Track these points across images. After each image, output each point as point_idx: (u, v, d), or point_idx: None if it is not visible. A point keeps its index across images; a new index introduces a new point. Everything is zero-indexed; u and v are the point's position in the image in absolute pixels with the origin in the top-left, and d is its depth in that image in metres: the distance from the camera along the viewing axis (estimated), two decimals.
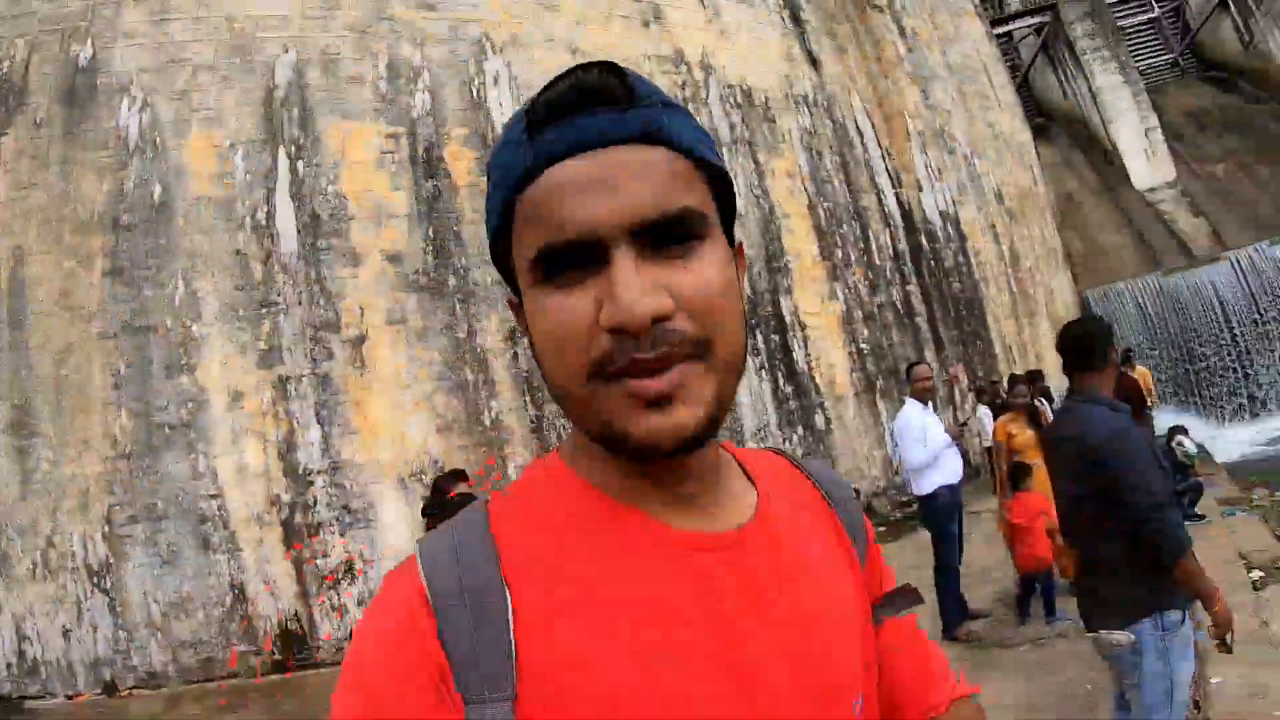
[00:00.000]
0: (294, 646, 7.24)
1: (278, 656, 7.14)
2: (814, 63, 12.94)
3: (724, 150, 10.83)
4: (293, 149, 8.10)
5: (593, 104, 0.62)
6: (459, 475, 5.61)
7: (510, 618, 0.61)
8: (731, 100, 11.33)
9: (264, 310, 7.74)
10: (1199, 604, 2.72)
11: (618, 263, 0.59)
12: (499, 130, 8.80)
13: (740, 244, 0.74)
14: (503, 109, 8.97)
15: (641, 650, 0.62)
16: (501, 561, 0.64)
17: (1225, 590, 5.23)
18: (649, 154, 0.62)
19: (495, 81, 9.08)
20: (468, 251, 8.50)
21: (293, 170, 8.07)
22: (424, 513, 5.57)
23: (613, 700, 0.60)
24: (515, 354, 8.51)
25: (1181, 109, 25.02)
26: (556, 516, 0.68)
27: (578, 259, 0.60)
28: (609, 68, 0.63)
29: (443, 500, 4.91)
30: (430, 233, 8.41)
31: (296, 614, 7.38)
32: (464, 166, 8.66)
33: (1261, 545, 7.25)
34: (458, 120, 8.82)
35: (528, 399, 8.56)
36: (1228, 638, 2.66)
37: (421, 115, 8.66)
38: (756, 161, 11.29)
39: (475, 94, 8.96)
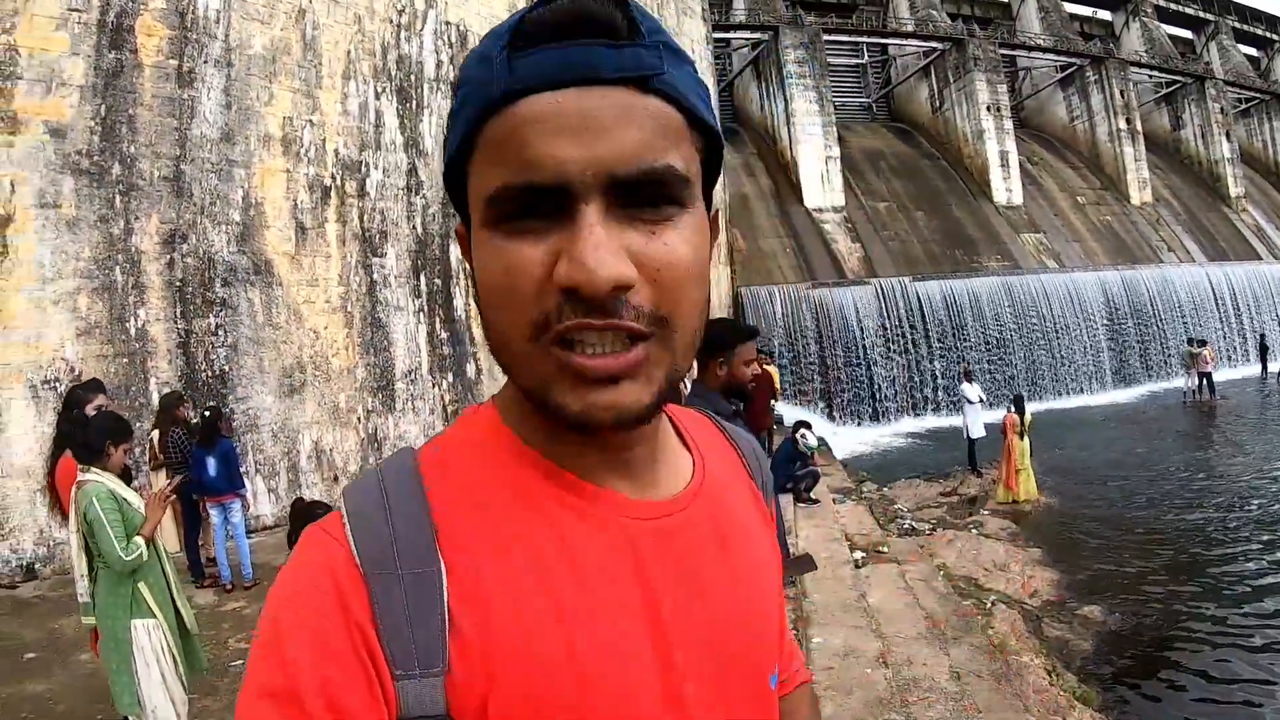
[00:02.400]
0: None
1: None
2: None
3: (426, 87, 11.23)
4: None
5: (587, 32, 0.57)
6: (97, 386, 5.59)
7: (444, 586, 0.60)
8: (446, 37, 11.78)
9: None
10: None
11: (585, 217, 0.56)
12: (200, 10, 8.56)
13: (716, 212, 0.69)
14: None
15: (576, 623, 0.61)
16: (436, 524, 0.62)
17: (830, 566, 6.95)
18: (640, 100, 0.58)
19: None
20: (139, 139, 8.09)
21: None
22: (59, 429, 5.32)
23: (544, 672, 0.59)
24: (172, 260, 8.27)
25: (863, 148, 29.22)
26: (491, 477, 0.66)
27: (539, 205, 0.57)
28: None
29: (81, 416, 4.82)
30: (103, 110, 7.86)
31: None
32: (154, 44, 8.21)
33: (865, 530, 8.71)
34: None
35: (179, 310, 8.32)
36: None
37: None
38: None
39: None
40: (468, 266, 0.68)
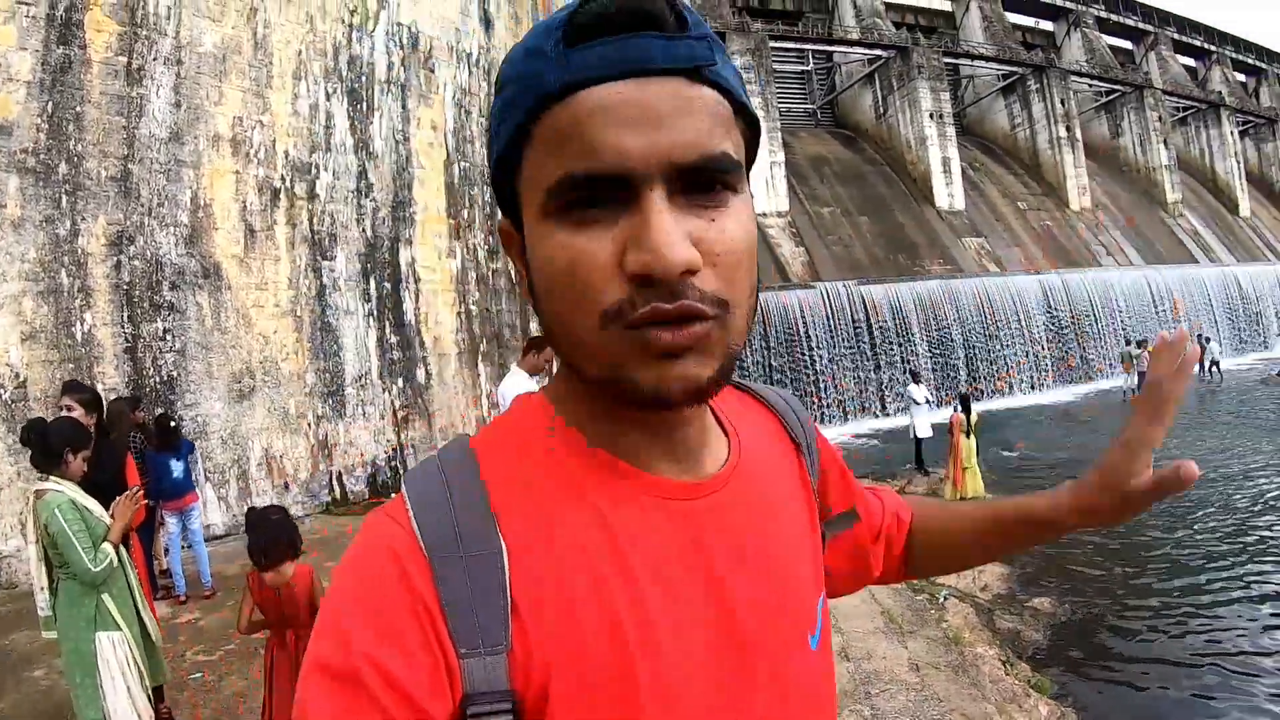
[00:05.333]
0: None
1: None
2: (488, 24, 13.81)
3: (377, 89, 11.32)
4: None
5: (639, 25, 0.60)
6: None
7: (506, 566, 0.61)
8: (398, 39, 11.84)
9: None
10: None
11: (652, 204, 0.58)
12: (150, 6, 8.53)
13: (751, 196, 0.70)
14: None
15: (637, 605, 0.64)
16: (493, 505, 0.65)
17: None
18: (696, 90, 0.61)
19: None
20: (86, 137, 8.05)
21: None
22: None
23: (615, 652, 0.62)
24: (119, 261, 8.22)
25: (809, 154, 29.77)
26: (545, 462, 0.68)
27: (601, 194, 0.59)
28: None
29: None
30: (50, 107, 7.82)
31: None
32: (104, 39, 8.16)
33: None
34: None
35: (126, 314, 8.28)
36: None
37: None
38: (405, 107, 11.92)
39: None
40: (513, 265, 0.71)
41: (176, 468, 6.70)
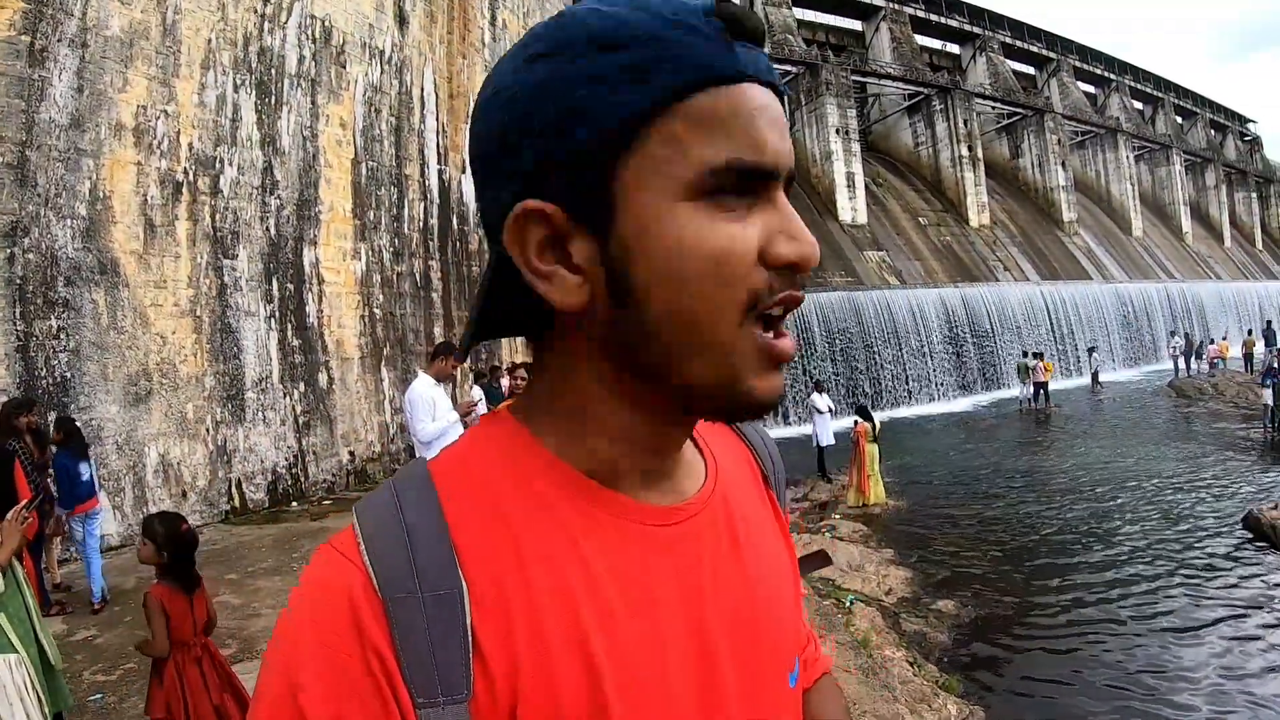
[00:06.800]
0: None
1: None
2: (402, 21, 13.71)
3: (286, 83, 11.20)
4: None
5: (760, 39, 0.63)
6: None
7: (468, 605, 0.59)
8: (309, 32, 11.67)
9: None
10: None
11: (787, 205, 0.62)
12: None
13: None
14: None
15: (614, 643, 0.61)
16: (454, 541, 0.61)
17: None
18: (778, 101, 0.63)
19: None
20: None
21: None
22: None
23: (571, 686, 0.59)
24: (12, 255, 7.89)
25: None
26: (516, 488, 0.65)
27: (748, 186, 0.60)
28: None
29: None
30: None
31: None
32: (6, 17, 7.87)
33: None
34: None
35: (18, 311, 7.96)
36: None
37: None
38: (314, 102, 11.75)
39: None
40: (530, 260, 0.62)
41: (85, 471, 6.53)
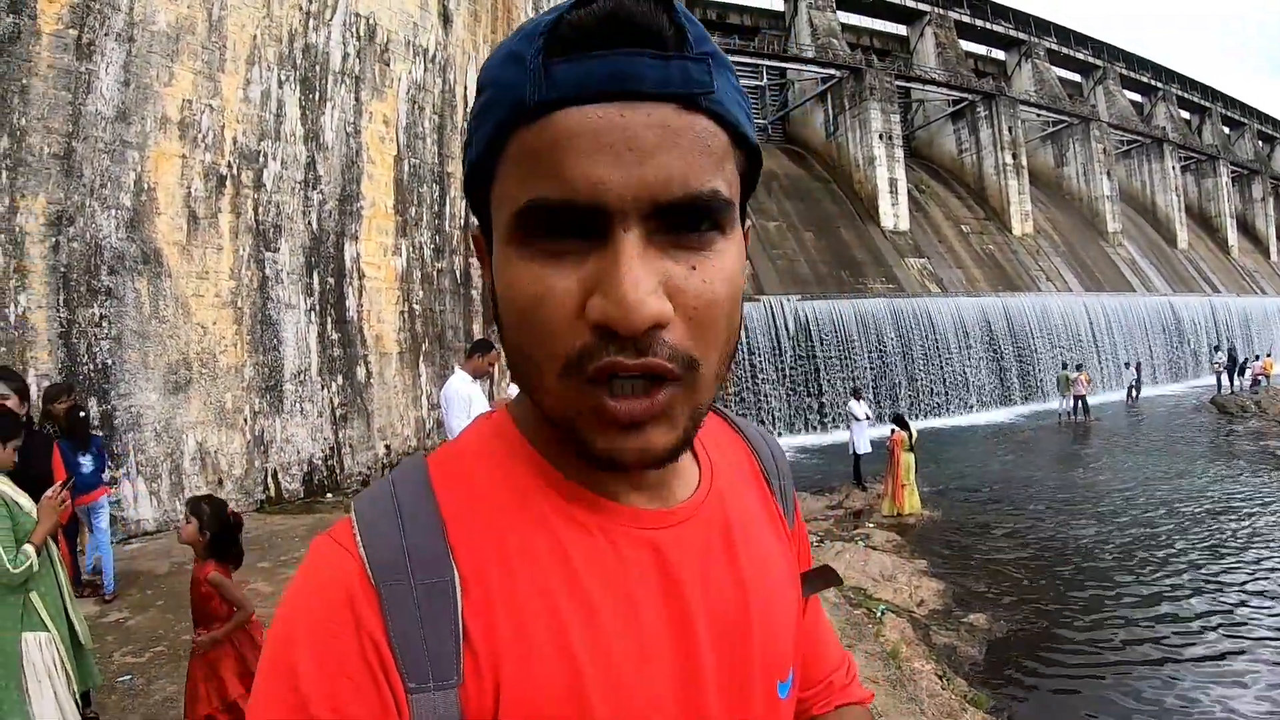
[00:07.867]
0: None
1: None
2: (446, 20, 13.74)
3: (330, 79, 11.30)
4: None
5: (631, 40, 0.54)
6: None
7: (459, 596, 0.60)
8: (355, 30, 11.76)
9: None
10: None
11: (624, 248, 0.54)
12: None
13: (749, 226, 0.68)
14: None
15: (597, 640, 0.62)
16: (448, 532, 0.62)
17: None
18: (688, 120, 0.56)
19: None
20: (31, 112, 7.85)
21: None
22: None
23: (550, 686, 0.59)
24: (57, 243, 8.03)
25: None
26: (502, 488, 0.65)
27: (573, 225, 0.55)
28: None
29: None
30: None
31: None
32: (55, 11, 8.01)
33: None
34: None
35: (62, 298, 8.07)
36: None
37: None
38: (358, 99, 11.83)
39: None
40: (484, 277, 0.66)
41: (86, 462, 6.47)
